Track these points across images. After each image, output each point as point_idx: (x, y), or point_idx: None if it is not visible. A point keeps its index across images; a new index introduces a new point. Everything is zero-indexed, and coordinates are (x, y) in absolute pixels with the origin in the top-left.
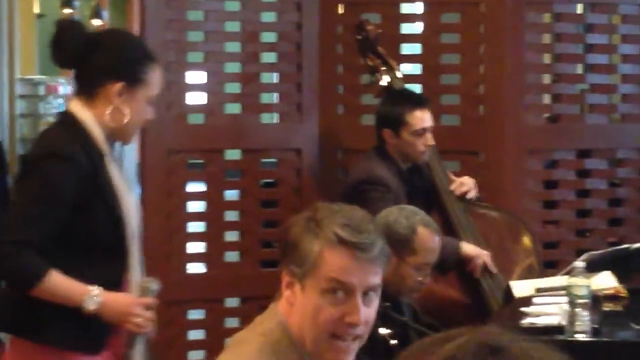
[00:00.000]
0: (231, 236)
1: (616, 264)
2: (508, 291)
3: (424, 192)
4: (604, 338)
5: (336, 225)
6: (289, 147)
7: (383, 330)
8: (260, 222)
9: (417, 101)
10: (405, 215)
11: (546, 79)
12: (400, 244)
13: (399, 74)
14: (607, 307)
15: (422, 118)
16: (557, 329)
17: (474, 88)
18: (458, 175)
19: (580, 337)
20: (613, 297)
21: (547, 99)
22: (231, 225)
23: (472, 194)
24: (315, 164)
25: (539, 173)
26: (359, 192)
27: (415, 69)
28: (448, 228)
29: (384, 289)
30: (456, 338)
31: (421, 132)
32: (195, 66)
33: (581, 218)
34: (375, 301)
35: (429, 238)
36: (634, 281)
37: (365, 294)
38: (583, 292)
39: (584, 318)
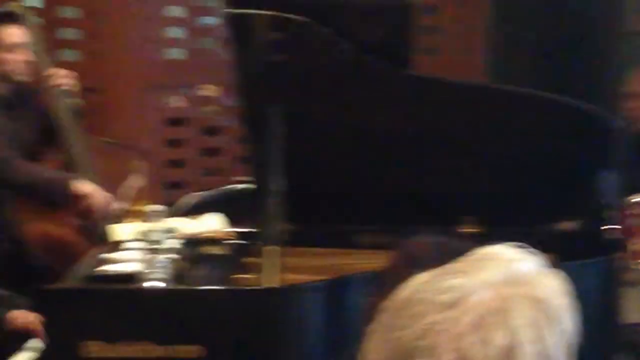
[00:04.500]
0: None
1: (228, 204)
2: (106, 234)
3: (39, 122)
4: (180, 286)
5: None
6: None
7: None
8: None
9: (5, 17)
10: None
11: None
12: None
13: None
14: (210, 250)
15: (13, 33)
16: (133, 277)
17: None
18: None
19: (151, 285)
20: (217, 241)
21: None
22: None
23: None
24: None
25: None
26: None
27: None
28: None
29: None
30: None
31: (14, 48)
32: None
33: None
34: None
35: None
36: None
37: None
38: (158, 237)
39: (160, 264)
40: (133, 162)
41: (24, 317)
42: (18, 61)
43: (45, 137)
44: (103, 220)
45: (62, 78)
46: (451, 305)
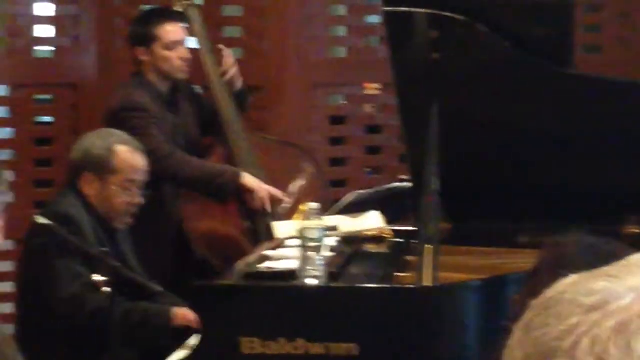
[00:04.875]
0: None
1: (388, 203)
2: (270, 232)
3: (199, 116)
4: (333, 284)
5: None
6: (64, 82)
7: (97, 278)
8: (34, 161)
9: (166, 15)
10: (100, 137)
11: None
12: (99, 165)
13: (196, 0)
14: (369, 248)
15: (173, 31)
16: (291, 275)
17: (257, 20)
18: None
19: (308, 282)
20: (377, 239)
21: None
22: (3, 165)
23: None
24: (93, 100)
25: (325, 108)
26: (119, 120)
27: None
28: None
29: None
30: None
31: (173, 45)
32: None
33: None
34: None
35: (128, 155)
36: (406, 222)
37: None
38: (315, 234)
39: (317, 262)
40: (298, 160)
41: (186, 314)
42: (178, 58)
43: (209, 132)
44: (268, 216)
45: (230, 75)
46: (595, 308)
